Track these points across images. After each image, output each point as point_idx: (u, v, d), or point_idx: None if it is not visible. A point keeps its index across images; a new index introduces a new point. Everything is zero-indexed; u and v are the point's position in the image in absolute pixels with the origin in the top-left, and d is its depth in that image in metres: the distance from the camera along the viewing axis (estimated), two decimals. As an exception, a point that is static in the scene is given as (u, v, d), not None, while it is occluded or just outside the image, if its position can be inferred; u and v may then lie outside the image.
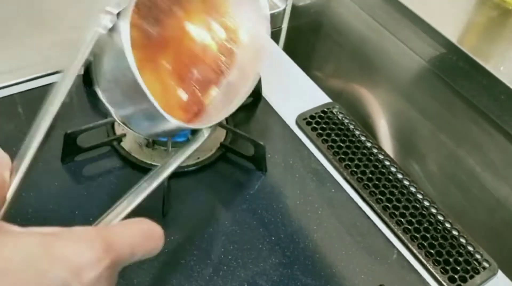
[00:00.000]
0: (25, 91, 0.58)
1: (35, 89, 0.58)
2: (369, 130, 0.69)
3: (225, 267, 0.46)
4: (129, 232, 0.28)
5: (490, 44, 0.56)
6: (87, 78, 0.59)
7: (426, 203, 0.53)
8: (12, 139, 0.53)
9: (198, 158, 0.54)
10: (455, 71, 0.55)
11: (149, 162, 0.52)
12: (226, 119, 0.58)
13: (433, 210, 0.52)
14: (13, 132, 0.54)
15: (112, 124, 0.54)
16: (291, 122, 0.60)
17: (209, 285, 0.44)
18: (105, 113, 0.56)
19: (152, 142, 0.53)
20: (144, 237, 0.28)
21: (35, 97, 0.57)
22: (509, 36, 0.58)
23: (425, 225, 0.51)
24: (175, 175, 0.52)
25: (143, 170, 0.51)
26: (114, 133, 0.54)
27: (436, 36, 0.55)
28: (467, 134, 0.58)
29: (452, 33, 0.55)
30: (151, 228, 0.29)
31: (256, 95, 0.62)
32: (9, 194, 0.29)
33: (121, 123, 0.41)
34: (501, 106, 0.52)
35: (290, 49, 0.81)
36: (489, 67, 0.51)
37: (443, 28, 0.55)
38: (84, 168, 0.51)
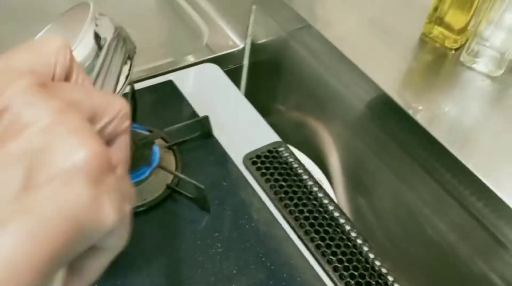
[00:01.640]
0: None
1: None
2: (322, 165, 0.72)
3: (160, 307, 0.49)
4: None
5: (420, 89, 0.59)
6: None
7: (359, 241, 0.55)
8: None
9: (145, 199, 0.57)
10: (386, 115, 0.58)
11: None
12: (176, 159, 0.62)
13: (365, 248, 0.55)
14: None
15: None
16: (239, 161, 0.63)
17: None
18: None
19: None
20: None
21: None
22: (439, 80, 0.61)
23: (355, 263, 0.53)
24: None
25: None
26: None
27: (369, 82, 0.58)
28: (404, 173, 0.61)
29: (384, 79, 0.58)
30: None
31: (207, 135, 0.65)
32: None
33: None
34: (425, 152, 0.55)
35: (252, 85, 0.84)
36: (411, 112, 0.55)
37: (375, 75, 0.58)
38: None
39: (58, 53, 0.22)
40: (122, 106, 0.22)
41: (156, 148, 0.59)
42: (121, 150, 0.23)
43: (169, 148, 0.63)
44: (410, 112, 0.56)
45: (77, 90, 0.21)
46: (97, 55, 0.41)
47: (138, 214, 0.56)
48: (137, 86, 0.67)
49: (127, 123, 0.23)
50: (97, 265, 0.23)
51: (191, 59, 0.77)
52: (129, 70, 0.44)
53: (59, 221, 0.17)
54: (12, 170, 0.17)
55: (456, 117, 0.56)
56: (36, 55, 0.21)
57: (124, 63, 0.43)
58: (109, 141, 0.22)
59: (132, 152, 0.57)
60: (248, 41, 0.79)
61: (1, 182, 0.17)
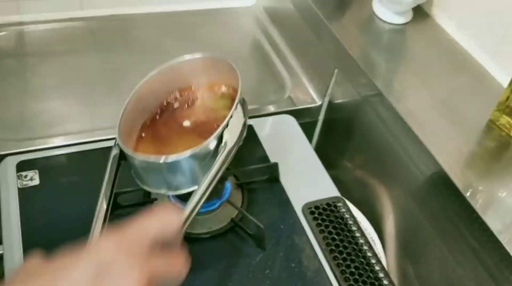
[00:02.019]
0: (92, 150, 0.73)
1: (101, 149, 0.73)
2: (377, 226, 0.76)
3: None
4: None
5: (479, 173, 0.63)
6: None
7: (398, 305, 0.59)
8: (68, 188, 0.67)
9: (210, 228, 0.64)
10: (444, 192, 0.62)
11: (170, 224, 0.64)
12: (243, 197, 0.69)
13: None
14: (70, 183, 0.68)
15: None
16: (298, 208, 0.69)
17: None
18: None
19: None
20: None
21: (98, 157, 0.72)
22: (499, 167, 0.64)
23: (390, 324, 0.57)
24: (188, 240, 0.63)
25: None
26: (149, 197, 0.66)
27: (431, 158, 0.63)
28: (453, 248, 0.64)
29: (446, 159, 0.62)
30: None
31: (273, 179, 0.72)
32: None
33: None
34: (476, 232, 0.58)
35: (324, 139, 0.90)
36: (467, 195, 0.58)
37: (438, 153, 0.63)
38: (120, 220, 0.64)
39: (178, 227, 0.40)
40: (181, 271, 0.40)
41: (228, 184, 0.67)
42: None
43: (239, 185, 0.70)
44: (466, 194, 0.59)
45: (163, 267, 0.38)
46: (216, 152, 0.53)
47: (202, 240, 0.64)
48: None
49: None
50: None
51: (271, 108, 0.84)
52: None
53: None
54: None
55: (510, 206, 0.59)
56: (162, 228, 0.39)
57: None
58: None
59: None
60: (326, 100, 0.86)
61: None
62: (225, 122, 0.52)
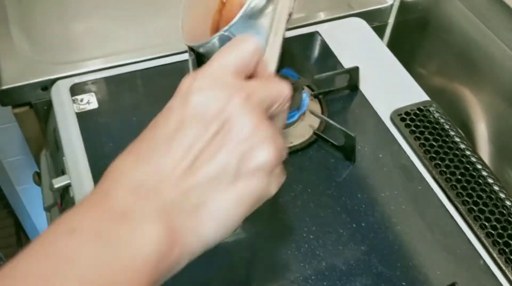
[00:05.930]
0: (146, 69, 0.66)
1: (154, 67, 0.66)
2: (467, 132, 0.68)
3: (306, 245, 0.49)
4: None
5: None
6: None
7: (515, 211, 0.52)
8: (130, 109, 0.61)
9: (291, 142, 0.58)
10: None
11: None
12: (322, 108, 0.62)
13: (522, 219, 0.51)
14: (131, 103, 0.62)
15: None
16: (385, 117, 0.61)
17: (290, 259, 0.48)
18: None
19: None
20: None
21: (154, 75, 0.65)
22: None
23: (510, 232, 0.50)
24: (269, 156, 0.56)
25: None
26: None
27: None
28: None
29: None
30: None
31: (353, 87, 0.64)
32: None
33: None
34: None
35: (395, 44, 0.81)
36: None
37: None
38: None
39: (254, 54, 0.32)
40: (288, 92, 0.32)
41: (305, 94, 0.59)
42: (281, 122, 0.33)
43: (315, 96, 0.63)
44: None
45: (262, 89, 0.31)
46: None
47: (284, 156, 0.57)
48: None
49: (288, 104, 0.32)
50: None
51: (336, 12, 0.75)
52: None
53: (250, 197, 0.29)
54: (231, 159, 0.28)
55: None
56: (240, 58, 0.31)
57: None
58: (273, 116, 0.32)
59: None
60: (398, -2, 0.76)
61: (226, 164, 0.28)
62: None
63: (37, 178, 0.80)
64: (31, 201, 1.19)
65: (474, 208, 0.52)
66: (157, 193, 0.27)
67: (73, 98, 0.60)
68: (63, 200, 0.66)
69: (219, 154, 0.28)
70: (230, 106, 0.29)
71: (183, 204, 0.27)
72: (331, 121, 0.57)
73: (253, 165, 0.29)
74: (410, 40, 0.79)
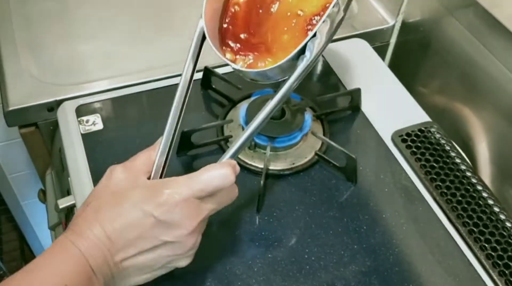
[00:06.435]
0: (151, 90, 0.67)
1: (159, 89, 0.67)
2: (468, 152, 0.69)
3: (307, 267, 0.50)
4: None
5: None
6: (205, 82, 0.66)
7: (515, 233, 0.52)
8: (135, 130, 0.62)
9: (293, 163, 0.58)
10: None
11: (250, 162, 0.58)
12: (324, 129, 0.62)
13: (522, 241, 0.52)
14: (136, 125, 0.63)
15: (222, 127, 0.61)
16: (387, 138, 0.62)
17: (290, 280, 0.49)
18: (217, 115, 0.63)
19: (254, 146, 0.59)
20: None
21: (159, 96, 0.66)
22: None
23: (510, 253, 0.51)
24: (271, 176, 0.57)
25: (243, 168, 0.57)
26: (223, 134, 0.60)
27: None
28: None
29: None
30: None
31: (355, 108, 0.65)
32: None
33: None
34: None
35: (396, 64, 0.82)
36: None
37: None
38: (194, 161, 0.59)
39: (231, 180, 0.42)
40: (235, 197, 0.45)
41: (308, 115, 0.60)
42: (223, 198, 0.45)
43: (318, 117, 0.63)
44: None
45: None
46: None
47: (285, 176, 0.58)
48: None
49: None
50: None
51: (338, 33, 0.76)
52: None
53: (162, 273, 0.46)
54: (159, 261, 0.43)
55: None
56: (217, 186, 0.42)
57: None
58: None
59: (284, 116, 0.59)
60: (400, 19, 0.77)
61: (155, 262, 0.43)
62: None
63: (42, 195, 0.81)
64: (36, 216, 1.20)
65: (475, 229, 0.53)
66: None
67: (78, 119, 0.61)
68: (67, 220, 0.67)
69: (153, 255, 0.42)
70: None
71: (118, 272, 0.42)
72: (332, 143, 0.57)
73: (172, 266, 0.44)
74: (411, 60, 0.80)
